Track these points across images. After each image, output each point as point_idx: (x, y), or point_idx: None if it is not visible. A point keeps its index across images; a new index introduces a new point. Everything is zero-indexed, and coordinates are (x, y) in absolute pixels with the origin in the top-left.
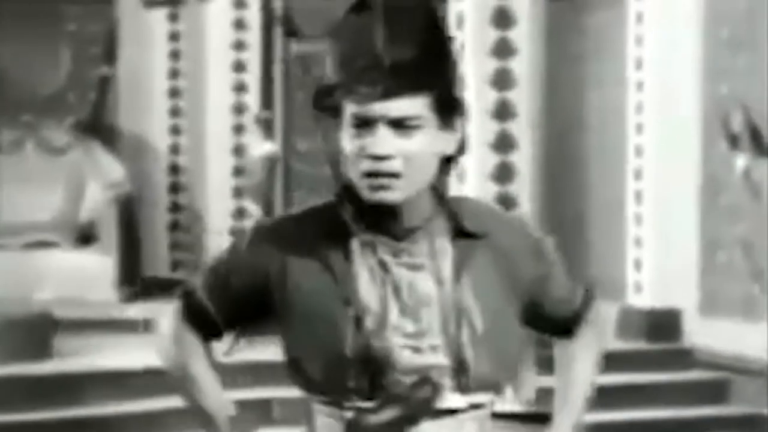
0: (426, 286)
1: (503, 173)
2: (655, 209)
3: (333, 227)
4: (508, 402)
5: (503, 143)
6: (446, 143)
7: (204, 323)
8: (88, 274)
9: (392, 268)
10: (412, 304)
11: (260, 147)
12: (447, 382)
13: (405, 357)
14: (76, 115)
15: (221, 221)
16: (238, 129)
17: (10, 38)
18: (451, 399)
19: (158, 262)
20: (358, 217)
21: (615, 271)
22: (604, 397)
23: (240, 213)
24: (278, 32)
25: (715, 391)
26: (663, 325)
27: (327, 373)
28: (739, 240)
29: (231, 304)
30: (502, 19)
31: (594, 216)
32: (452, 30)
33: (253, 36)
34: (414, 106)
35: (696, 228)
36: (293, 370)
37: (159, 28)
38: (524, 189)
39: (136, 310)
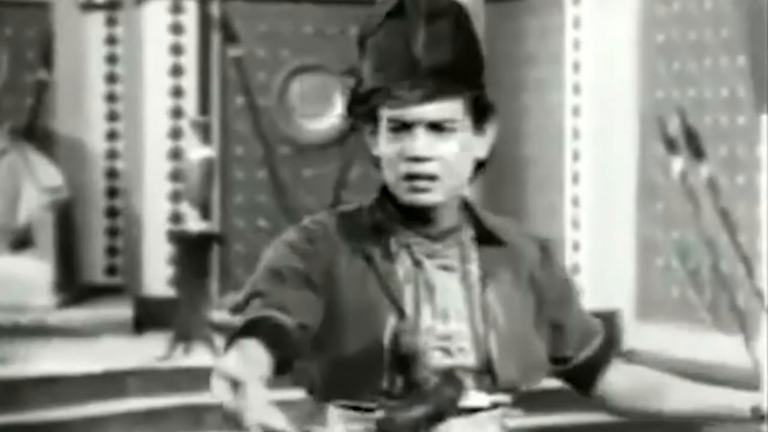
0: (456, 288)
1: None
2: (592, 213)
3: (373, 227)
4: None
5: None
6: (480, 147)
7: (280, 344)
8: (24, 280)
9: (427, 269)
10: (444, 305)
11: (197, 151)
12: (470, 381)
13: (436, 358)
14: (13, 120)
15: (158, 225)
16: (176, 133)
17: None
18: (474, 397)
19: (95, 267)
20: (395, 217)
21: None
22: (538, 400)
23: (177, 217)
24: (216, 36)
25: None
26: None
27: (363, 372)
28: (675, 244)
29: (303, 310)
30: None
31: (531, 219)
32: None
33: (190, 40)
34: (450, 109)
35: (633, 232)
36: (324, 370)
37: (96, 32)
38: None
39: (72, 316)
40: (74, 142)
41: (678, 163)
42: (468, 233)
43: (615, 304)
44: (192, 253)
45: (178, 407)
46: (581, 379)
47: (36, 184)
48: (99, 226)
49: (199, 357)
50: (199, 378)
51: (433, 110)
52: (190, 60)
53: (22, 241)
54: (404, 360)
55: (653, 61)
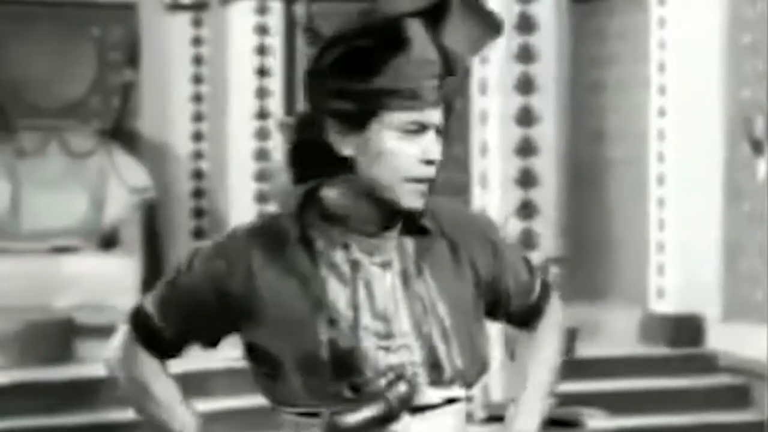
0: (395, 284)
1: (526, 179)
2: (677, 214)
3: (297, 232)
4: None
5: (527, 149)
6: None
7: (158, 343)
8: (111, 280)
9: (365, 267)
10: (383, 303)
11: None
12: (422, 378)
13: (379, 357)
14: (100, 120)
15: None
16: (261, 134)
17: (34, 44)
18: (426, 394)
19: None
20: (325, 218)
21: (637, 277)
22: (626, 402)
23: None
24: (302, 37)
25: (738, 397)
26: (685, 330)
27: (305, 380)
28: (761, 245)
29: (190, 321)
30: (526, 24)
31: (616, 221)
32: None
33: (276, 41)
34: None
35: (719, 233)
36: (268, 378)
37: (182, 33)
38: (547, 194)
39: None
40: (160, 143)
41: (764, 164)
42: (401, 224)
43: (700, 305)
44: None
45: (259, 407)
46: (520, 323)
47: (123, 185)
48: (185, 226)
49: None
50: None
51: (438, 115)
52: (276, 61)
53: (109, 241)
54: (346, 362)
55: (739, 61)
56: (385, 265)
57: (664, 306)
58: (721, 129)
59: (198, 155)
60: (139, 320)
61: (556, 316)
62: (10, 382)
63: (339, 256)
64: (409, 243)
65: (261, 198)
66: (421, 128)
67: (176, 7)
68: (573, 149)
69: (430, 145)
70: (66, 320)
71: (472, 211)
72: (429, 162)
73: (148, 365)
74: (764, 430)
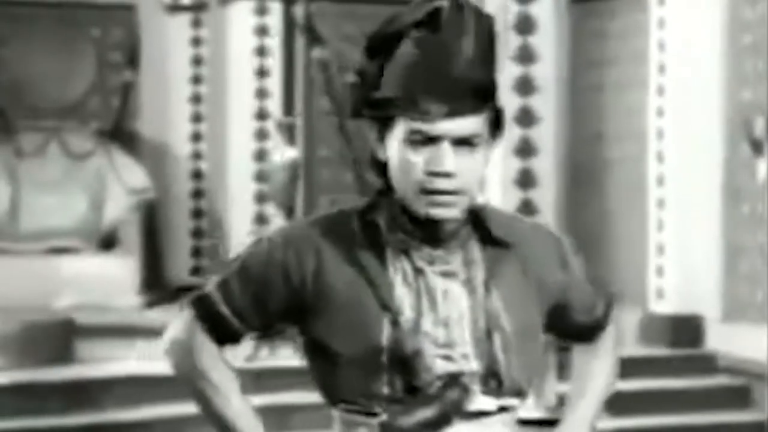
0: (459, 294)
1: (526, 179)
2: (677, 215)
3: (366, 232)
4: (529, 408)
5: (526, 149)
6: (490, 158)
7: (221, 329)
8: (110, 280)
9: (428, 275)
10: (446, 312)
11: (282, 153)
12: (477, 385)
13: (438, 365)
14: (99, 121)
15: (243, 226)
16: (260, 135)
17: (34, 44)
18: (481, 401)
19: (180, 267)
20: (392, 222)
21: (637, 277)
22: (626, 402)
23: (261, 218)
24: (300, 38)
25: (738, 397)
26: (685, 331)
27: (362, 377)
28: (761, 246)
29: (257, 308)
30: (525, 25)
31: (616, 222)
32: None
33: (275, 42)
34: (476, 124)
35: (718, 234)
36: (324, 375)
37: (181, 33)
38: (546, 195)
39: (158, 316)
40: (159, 144)
41: (764, 165)
42: (471, 234)
43: (700, 306)
44: None
45: (264, 407)
46: (580, 338)
47: (122, 186)
48: (184, 226)
49: (283, 357)
50: (284, 378)
51: (462, 126)
52: (275, 62)
53: (108, 242)
54: (405, 364)
55: (739, 61)
56: (449, 275)
57: (664, 306)
58: (720, 129)
59: (197, 156)
60: (202, 305)
61: (615, 334)
62: (10, 383)
63: (404, 262)
64: (478, 253)
65: (260, 198)
66: (427, 139)
67: (176, 8)
68: (572, 150)
69: (441, 156)
70: (66, 321)
71: (540, 225)
72: (435, 174)
73: (208, 351)
74: (764, 431)
